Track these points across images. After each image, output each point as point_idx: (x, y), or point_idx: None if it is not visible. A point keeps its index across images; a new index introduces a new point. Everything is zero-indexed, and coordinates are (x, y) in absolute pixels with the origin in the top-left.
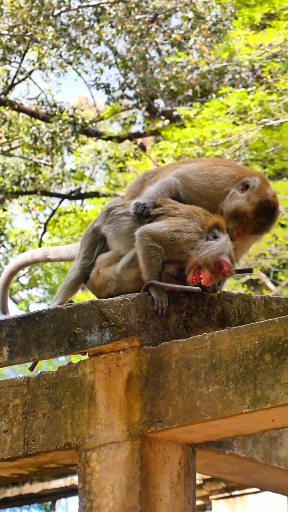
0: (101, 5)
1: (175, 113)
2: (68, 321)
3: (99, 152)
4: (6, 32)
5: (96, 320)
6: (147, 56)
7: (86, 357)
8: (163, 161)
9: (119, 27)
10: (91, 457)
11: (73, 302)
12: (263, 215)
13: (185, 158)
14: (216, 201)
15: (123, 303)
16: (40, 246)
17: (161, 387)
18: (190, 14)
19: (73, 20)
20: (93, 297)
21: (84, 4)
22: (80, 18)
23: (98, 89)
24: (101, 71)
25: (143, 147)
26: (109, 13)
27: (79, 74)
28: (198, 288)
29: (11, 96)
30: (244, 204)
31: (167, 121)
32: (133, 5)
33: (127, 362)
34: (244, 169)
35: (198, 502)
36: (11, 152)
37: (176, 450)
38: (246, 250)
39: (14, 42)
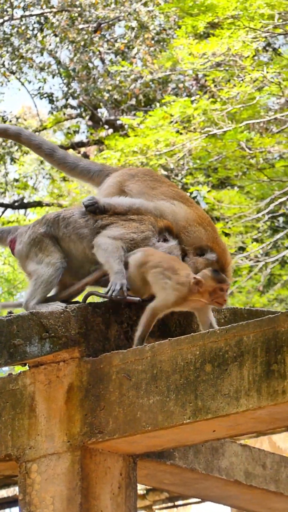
0: (45, 14)
1: (118, 122)
2: (8, 332)
3: (42, 162)
4: None
5: (36, 331)
6: (90, 65)
7: (26, 368)
8: None
9: (62, 36)
10: (32, 468)
11: (12, 313)
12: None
13: (181, 191)
14: None
15: (63, 314)
16: None
17: (102, 398)
18: (134, 23)
19: (16, 29)
20: None
21: (27, 13)
22: (23, 27)
23: (41, 98)
24: (44, 81)
25: (86, 156)
26: (52, 23)
27: (22, 84)
28: (138, 298)
29: None
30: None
31: (110, 130)
32: (76, 15)
33: (67, 373)
34: (214, 239)
35: None
36: None
37: (117, 461)
38: None
39: None
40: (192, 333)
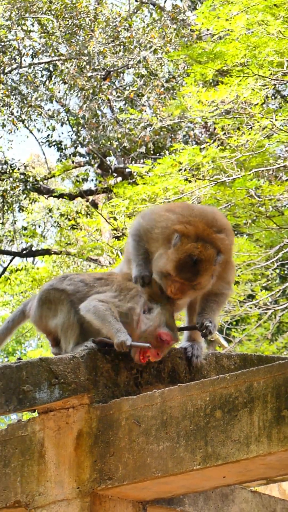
0: (53, 62)
1: (127, 170)
2: (17, 379)
3: (50, 210)
4: None
5: (46, 377)
6: (99, 113)
7: (35, 414)
8: (115, 219)
9: (72, 84)
10: None
11: (22, 359)
12: (185, 270)
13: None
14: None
15: (72, 360)
16: None
17: (111, 444)
18: (143, 71)
19: (24, 77)
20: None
21: (36, 61)
22: (32, 75)
23: (50, 146)
24: (53, 128)
25: (95, 205)
26: (62, 70)
27: (31, 132)
28: (148, 344)
29: None
30: (165, 264)
31: (119, 178)
32: (85, 63)
33: (76, 420)
34: (182, 220)
35: None
36: None
37: (127, 507)
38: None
39: None
40: (202, 379)
